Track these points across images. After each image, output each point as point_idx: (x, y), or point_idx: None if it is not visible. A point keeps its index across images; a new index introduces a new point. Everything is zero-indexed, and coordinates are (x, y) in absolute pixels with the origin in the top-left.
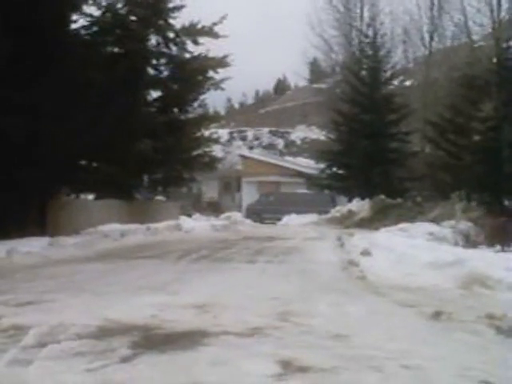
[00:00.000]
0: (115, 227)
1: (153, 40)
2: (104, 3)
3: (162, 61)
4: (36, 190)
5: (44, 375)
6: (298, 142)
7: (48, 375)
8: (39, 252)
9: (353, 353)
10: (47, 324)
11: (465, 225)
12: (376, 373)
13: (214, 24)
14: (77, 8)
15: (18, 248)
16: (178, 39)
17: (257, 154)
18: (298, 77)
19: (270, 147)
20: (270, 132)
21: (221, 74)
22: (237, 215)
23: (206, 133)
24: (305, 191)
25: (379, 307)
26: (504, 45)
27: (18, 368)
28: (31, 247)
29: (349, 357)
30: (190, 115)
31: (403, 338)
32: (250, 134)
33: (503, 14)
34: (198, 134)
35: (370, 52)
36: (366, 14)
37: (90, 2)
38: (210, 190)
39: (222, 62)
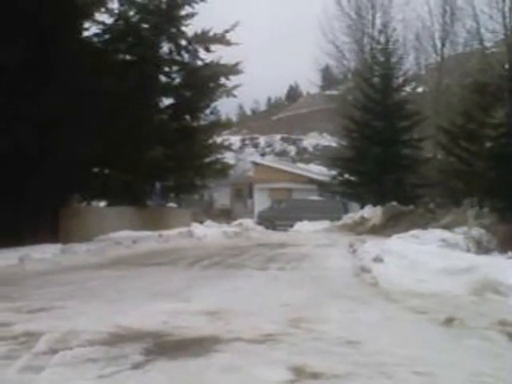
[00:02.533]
0: (127, 234)
1: (165, 47)
2: (116, 11)
3: (174, 68)
4: (48, 198)
5: (56, 382)
6: (310, 148)
7: (60, 382)
8: (51, 259)
9: (365, 359)
10: (59, 331)
11: (477, 231)
12: (387, 379)
13: (226, 31)
14: (89, 16)
15: (31, 255)
16: (190, 46)
17: (269, 160)
18: (310, 84)
19: (282, 154)
20: (282, 139)
21: (233, 81)
22: (249, 222)
23: (218, 140)
24: (317, 198)
25: (391, 313)
26: None
27: (30, 375)
28: (43, 254)
29: (361, 363)
30: (202, 122)
31: (415, 344)
32: (262, 140)
33: None
34: (210, 141)
35: (382, 59)
36: (378, 21)
37: (103, 9)
38: (221, 197)
39: (233, 69)
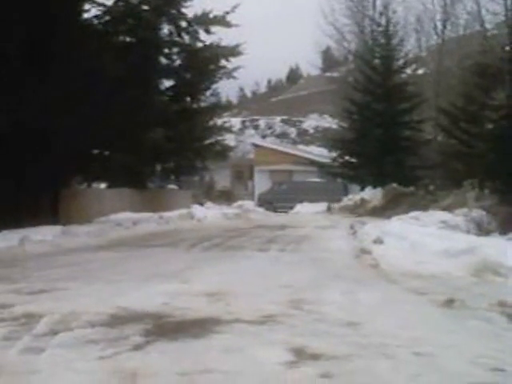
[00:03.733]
0: (128, 216)
1: (165, 29)
2: None
3: (175, 50)
4: (48, 180)
5: (56, 363)
6: (311, 130)
7: (60, 363)
8: (52, 240)
9: (365, 340)
10: (59, 312)
11: (477, 213)
12: (388, 360)
13: (227, 13)
14: None
15: (31, 236)
16: (190, 28)
17: (269, 142)
18: (311, 65)
19: (282, 136)
20: (283, 121)
21: (233, 62)
22: (249, 204)
23: (219, 121)
24: (317, 180)
25: (392, 295)
26: None
27: (30, 356)
28: (44, 236)
29: (361, 344)
30: (203, 104)
31: (415, 325)
32: (262, 122)
33: None
34: (211, 123)
35: (383, 41)
36: (378, 3)
37: None
38: (222, 179)
39: (234, 51)
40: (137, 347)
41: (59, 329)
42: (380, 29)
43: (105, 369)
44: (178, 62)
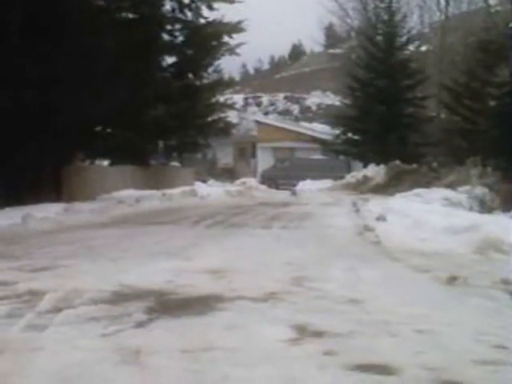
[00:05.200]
0: (130, 193)
1: (167, 6)
2: None
3: (177, 26)
4: (50, 157)
5: (59, 340)
6: (314, 107)
7: (63, 340)
8: (54, 218)
9: (367, 318)
10: (62, 289)
11: (480, 190)
12: (391, 337)
13: None
14: None
15: (33, 214)
16: (192, 4)
17: (272, 119)
18: (314, 42)
19: (285, 113)
20: (286, 98)
21: (236, 39)
22: (252, 181)
23: (221, 98)
24: (320, 157)
25: (394, 272)
26: None
27: (33, 333)
28: (46, 213)
29: (363, 321)
30: (205, 81)
31: (418, 302)
32: (265, 99)
33: None
34: (213, 100)
35: (386, 17)
36: None
37: None
38: (224, 156)
39: (236, 28)
40: (140, 324)
41: (62, 306)
42: (383, 5)
43: (108, 346)
44: (180, 39)
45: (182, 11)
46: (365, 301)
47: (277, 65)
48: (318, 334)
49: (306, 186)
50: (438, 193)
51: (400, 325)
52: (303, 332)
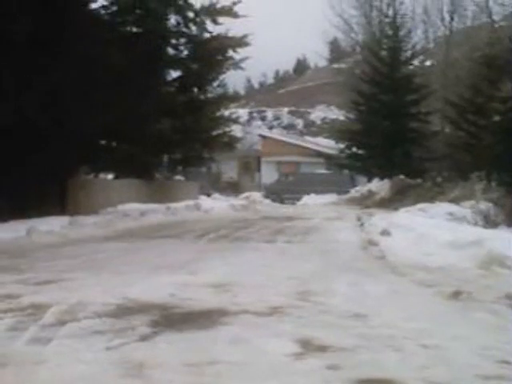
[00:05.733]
0: (135, 207)
1: (172, 20)
2: None
3: (182, 40)
4: (55, 170)
5: (63, 353)
6: (318, 121)
7: (67, 353)
8: (59, 231)
9: (372, 332)
10: (67, 302)
11: (484, 205)
12: (395, 352)
13: (234, 3)
14: None
15: (38, 227)
16: (197, 19)
17: (276, 133)
18: (318, 57)
19: (289, 127)
20: (290, 112)
21: (240, 53)
22: (256, 195)
23: (226, 113)
24: (324, 171)
25: (398, 287)
26: None
27: (37, 346)
28: (51, 226)
29: (368, 336)
30: (210, 95)
31: (422, 317)
32: (269, 114)
33: None
34: (218, 114)
35: (390, 32)
36: None
37: None
38: (229, 170)
39: (241, 42)
40: (144, 338)
41: (66, 319)
42: (387, 20)
43: (112, 359)
44: (185, 53)
45: (186, 25)
46: (369, 315)
47: (281, 79)
48: (323, 349)
49: (310, 200)
50: (443, 207)
51: (404, 339)
52: (307, 346)
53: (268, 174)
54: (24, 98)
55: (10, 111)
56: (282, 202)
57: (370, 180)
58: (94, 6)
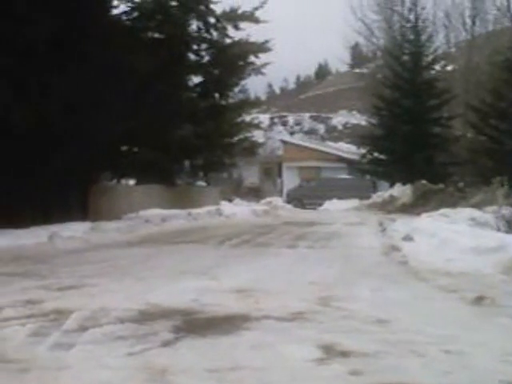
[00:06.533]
0: (156, 212)
1: (193, 25)
2: None
3: (203, 46)
4: (77, 176)
5: (86, 359)
6: (340, 127)
7: (90, 359)
8: (81, 237)
9: (394, 337)
10: (89, 308)
11: (507, 210)
12: (418, 358)
13: (255, 9)
14: None
15: (60, 233)
16: (218, 24)
17: (298, 139)
18: (339, 62)
19: (311, 132)
20: (311, 117)
21: (262, 59)
22: (278, 200)
23: (247, 118)
24: (346, 176)
25: (421, 292)
26: None
27: (60, 352)
28: (73, 232)
29: (390, 341)
30: (231, 100)
31: (445, 323)
32: (290, 119)
33: None
34: (239, 120)
35: (412, 37)
36: None
37: None
38: (250, 176)
39: (262, 47)
40: (166, 343)
41: (88, 325)
42: (409, 25)
43: (134, 365)
44: (206, 59)
45: (207, 31)
46: (392, 321)
47: (303, 84)
48: (345, 354)
49: (332, 205)
50: (465, 213)
51: (427, 345)
52: (330, 352)
53: (289, 180)
54: (46, 103)
55: (32, 116)
56: (303, 207)
57: (391, 185)
58: (115, 11)
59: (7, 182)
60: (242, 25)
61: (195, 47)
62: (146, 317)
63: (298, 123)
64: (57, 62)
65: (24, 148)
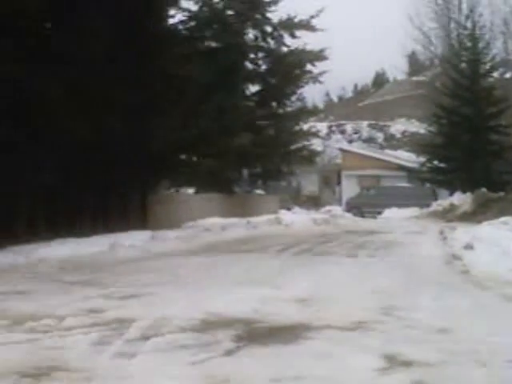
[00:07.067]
0: (215, 221)
1: (250, 34)
2: None
3: (260, 55)
4: (137, 185)
5: (148, 368)
6: (398, 135)
7: (152, 368)
8: (141, 245)
9: (458, 347)
10: (150, 317)
11: None
12: (481, 367)
13: (312, 17)
14: (174, 3)
15: (121, 241)
16: (275, 33)
17: (356, 147)
18: (397, 70)
19: (369, 140)
20: (370, 125)
21: (319, 67)
22: (337, 209)
23: (305, 126)
24: (406, 185)
25: (484, 301)
26: None
27: (122, 361)
28: (133, 241)
29: (453, 351)
30: (289, 109)
31: (508, 332)
32: (349, 127)
33: None
34: (297, 128)
35: (469, 44)
36: (464, 6)
37: None
38: (309, 184)
39: (319, 56)
40: (228, 352)
41: (150, 334)
42: (466, 32)
43: (197, 374)
44: (263, 67)
45: (264, 40)
46: (454, 330)
47: (360, 92)
48: (408, 364)
49: (391, 213)
50: None
51: (491, 354)
52: (392, 361)
53: (349, 188)
54: (105, 115)
55: (95, 128)
56: (362, 215)
57: (451, 193)
58: (172, 21)
59: (69, 193)
60: (299, 33)
61: (252, 56)
62: (207, 326)
63: (356, 131)
64: (116, 72)
65: (86, 160)
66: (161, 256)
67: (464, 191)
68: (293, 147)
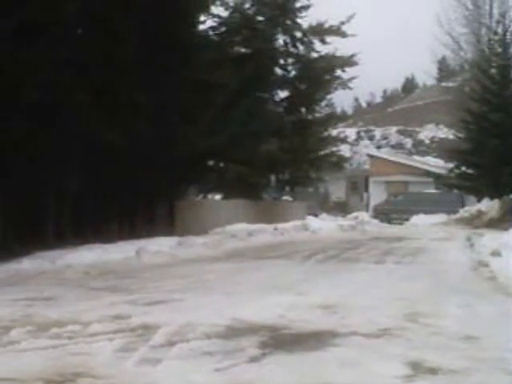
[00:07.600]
0: (242, 227)
1: (280, 40)
2: (231, 3)
3: (290, 60)
4: (164, 191)
5: (173, 374)
6: (427, 141)
7: (177, 374)
8: (168, 251)
9: (483, 355)
10: (176, 323)
11: None
12: (507, 375)
13: (342, 23)
14: (205, 9)
15: (147, 247)
16: (305, 39)
17: (384, 153)
18: (426, 75)
19: (397, 146)
20: (398, 131)
21: (348, 73)
22: (364, 215)
23: (334, 132)
24: (433, 191)
25: (511, 308)
26: None
27: (147, 367)
28: (160, 246)
29: (479, 358)
30: (317, 115)
31: None
32: (377, 133)
33: None
34: (326, 134)
35: (500, 49)
36: (495, 11)
37: (218, 2)
38: (337, 190)
39: (349, 61)
40: (253, 359)
41: (175, 340)
42: (497, 37)
43: (221, 381)
44: (293, 73)
45: (294, 45)
46: (480, 337)
47: (389, 98)
48: (433, 371)
49: (419, 220)
50: None
51: None
52: (417, 369)
53: (376, 194)
54: (133, 121)
55: (121, 132)
56: (389, 222)
57: (479, 200)
58: (202, 27)
59: (96, 198)
60: (329, 39)
61: (282, 62)
62: (232, 332)
63: (384, 137)
64: (144, 78)
65: (113, 165)
66: (187, 262)
67: (491, 198)
68: (321, 153)
